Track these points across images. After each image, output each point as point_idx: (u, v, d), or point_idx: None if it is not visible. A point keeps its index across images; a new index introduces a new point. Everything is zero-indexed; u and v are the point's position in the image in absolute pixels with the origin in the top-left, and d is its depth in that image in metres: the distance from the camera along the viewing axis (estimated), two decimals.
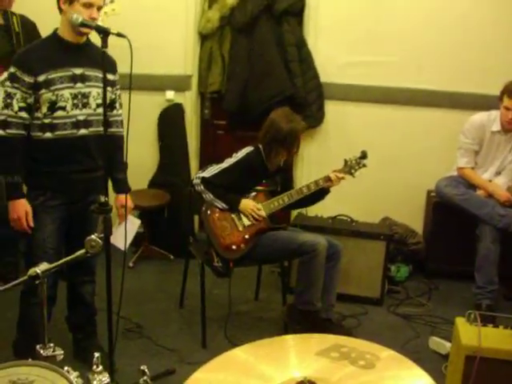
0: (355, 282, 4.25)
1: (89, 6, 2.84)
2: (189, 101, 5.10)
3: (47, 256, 2.93)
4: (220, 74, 4.98)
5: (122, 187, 3.30)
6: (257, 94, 4.80)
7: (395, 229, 4.66)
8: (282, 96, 4.72)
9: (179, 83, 5.05)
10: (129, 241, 3.20)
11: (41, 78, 2.87)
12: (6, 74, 2.94)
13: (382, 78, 4.79)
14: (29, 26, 4.30)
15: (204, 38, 5.00)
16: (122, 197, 3.25)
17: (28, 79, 2.85)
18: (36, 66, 2.87)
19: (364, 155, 3.73)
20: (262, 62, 4.80)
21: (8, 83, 2.88)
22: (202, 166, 4.94)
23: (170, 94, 5.05)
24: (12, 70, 2.88)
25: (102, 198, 2.45)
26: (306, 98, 4.79)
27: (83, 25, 2.72)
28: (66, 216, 3.10)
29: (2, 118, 2.89)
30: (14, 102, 2.87)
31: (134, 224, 3.33)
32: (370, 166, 3.76)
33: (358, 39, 4.77)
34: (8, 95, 2.88)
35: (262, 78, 4.79)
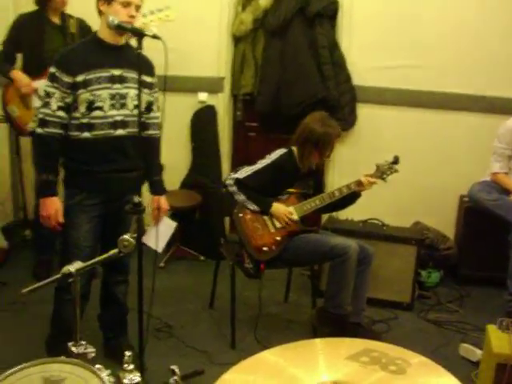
0: (385, 286, 4.22)
1: (127, 4, 2.88)
2: (221, 103, 5.12)
3: (82, 254, 2.96)
4: (253, 76, 5.00)
5: (158, 189, 3.33)
6: (289, 97, 4.80)
7: (427, 233, 4.61)
8: (315, 98, 4.71)
9: (212, 85, 5.08)
10: (164, 242, 3.23)
11: (79, 78, 2.90)
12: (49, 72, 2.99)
13: (415, 81, 4.75)
14: (85, 30, 4.41)
15: (237, 40, 5.02)
16: (158, 198, 3.29)
17: (67, 79, 2.90)
18: (75, 66, 2.91)
19: (396, 160, 3.71)
20: (294, 65, 4.80)
21: (48, 82, 2.94)
22: (234, 167, 4.95)
23: (203, 96, 5.08)
24: (52, 69, 2.93)
25: (136, 199, 2.48)
26: (339, 100, 4.78)
27: (119, 27, 2.77)
28: (102, 215, 3.13)
29: (41, 116, 2.94)
30: (53, 101, 2.91)
31: (169, 226, 3.34)
32: (402, 170, 3.73)
33: (391, 42, 4.74)
34: (47, 94, 2.93)
35: (294, 80, 4.79)
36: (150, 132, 3.26)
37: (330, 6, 4.75)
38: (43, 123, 2.94)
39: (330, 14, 4.79)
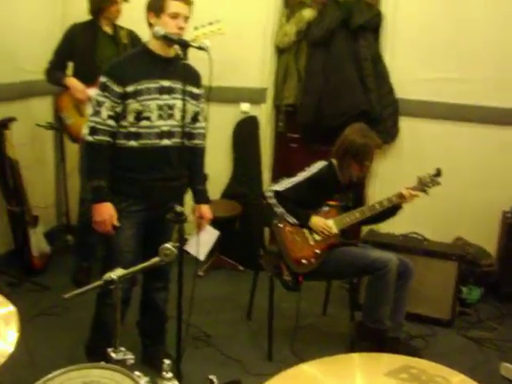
0: (425, 301, 4.17)
1: (175, 16, 2.92)
2: (264, 113, 5.14)
3: (125, 260, 3.02)
4: (295, 87, 5.01)
5: (202, 198, 3.37)
6: (331, 108, 4.80)
7: (468, 249, 4.55)
8: (357, 111, 4.70)
9: (255, 96, 5.10)
10: (206, 250, 3.25)
11: (129, 89, 2.96)
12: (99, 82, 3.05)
13: (459, 94, 4.69)
14: (136, 40, 4.48)
15: (280, 51, 5.04)
16: (201, 207, 3.32)
17: (117, 89, 2.95)
18: (126, 76, 2.96)
19: (438, 173, 3.67)
20: (337, 77, 4.79)
21: (99, 92, 3.00)
22: (275, 178, 4.96)
23: (246, 107, 5.11)
24: (103, 79, 2.99)
25: (178, 208, 2.50)
26: (381, 113, 4.76)
27: (165, 37, 2.81)
28: (145, 222, 3.17)
29: (91, 124, 3.01)
30: (103, 109, 2.97)
31: (212, 234, 3.35)
32: (444, 184, 3.69)
33: (435, 55, 4.70)
34: (98, 103, 2.99)
35: (337, 92, 4.78)
36: (196, 142, 3.29)
37: (374, 19, 4.74)
38: (94, 131, 3.00)
39: (373, 27, 4.78)
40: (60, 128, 4.50)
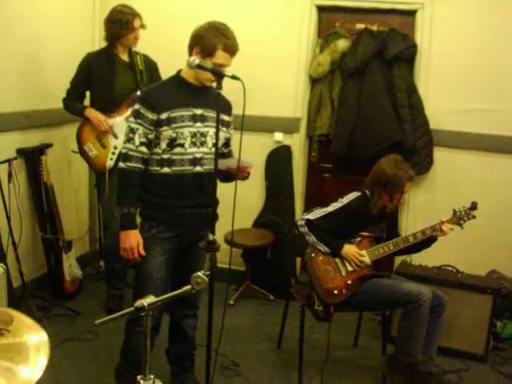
0: (458, 335, 4.09)
1: (219, 66, 2.95)
2: (297, 143, 5.14)
3: (155, 286, 3.04)
4: (329, 117, 5.00)
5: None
6: (365, 139, 4.78)
7: (503, 283, 4.45)
8: (391, 141, 4.68)
9: (288, 125, 5.12)
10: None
11: (163, 116, 2.99)
12: (130, 111, 3.09)
13: (494, 125, 4.64)
14: (151, 65, 4.52)
15: (314, 81, 5.05)
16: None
17: (151, 116, 2.98)
18: (159, 104, 3.00)
19: (474, 206, 3.63)
20: (371, 107, 4.79)
21: (132, 119, 3.03)
22: (307, 208, 4.95)
23: (279, 136, 5.12)
24: (136, 106, 3.02)
25: (211, 237, 2.50)
26: (415, 144, 4.73)
27: (199, 67, 2.82)
28: (176, 249, 3.18)
29: (124, 151, 3.04)
30: (136, 136, 3.00)
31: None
32: (478, 216, 3.65)
33: (471, 86, 4.67)
34: (131, 130, 3.01)
35: (370, 122, 4.77)
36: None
37: (408, 50, 4.74)
38: (126, 158, 3.02)
39: (407, 58, 4.78)
40: (86, 161, 4.49)
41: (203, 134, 3.07)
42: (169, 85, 3.14)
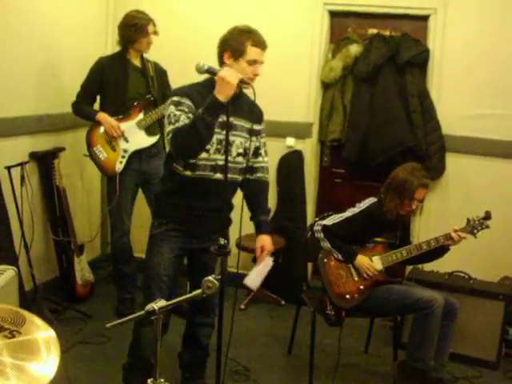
0: (470, 342, 4.07)
1: (253, 62, 2.94)
2: (309, 148, 5.14)
3: (161, 283, 3.08)
4: (341, 122, 4.99)
5: (264, 229, 3.30)
6: (377, 144, 4.77)
7: None
8: (403, 147, 4.67)
9: (300, 130, 5.11)
10: (261, 280, 3.21)
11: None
12: (167, 103, 2.98)
13: (506, 131, 4.61)
14: (161, 72, 4.54)
15: (326, 86, 5.05)
16: (263, 238, 3.26)
17: (190, 103, 2.90)
18: (196, 99, 2.91)
19: (488, 216, 3.62)
20: (383, 112, 4.77)
21: (172, 107, 2.91)
22: (319, 213, 4.94)
23: (291, 141, 5.11)
24: (175, 98, 2.93)
25: (222, 241, 2.50)
26: (427, 149, 4.71)
27: (208, 71, 2.81)
28: (186, 248, 3.19)
29: (171, 133, 2.86)
30: (180, 122, 2.85)
31: (267, 264, 3.30)
32: (491, 223, 3.63)
33: (483, 91, 4.65)
34: (174, 116, 2.88)
35: (382, 128, 4.76)
36: (259, 175, 3.30)
37: (421, 55, 4.72)
38: (175, 135, 2.86)
39: (420, 63, 4.76)
40: (95, 163, 4.48)
41: (229, 143, 2.93)
42: (201, 87, 3.02)
